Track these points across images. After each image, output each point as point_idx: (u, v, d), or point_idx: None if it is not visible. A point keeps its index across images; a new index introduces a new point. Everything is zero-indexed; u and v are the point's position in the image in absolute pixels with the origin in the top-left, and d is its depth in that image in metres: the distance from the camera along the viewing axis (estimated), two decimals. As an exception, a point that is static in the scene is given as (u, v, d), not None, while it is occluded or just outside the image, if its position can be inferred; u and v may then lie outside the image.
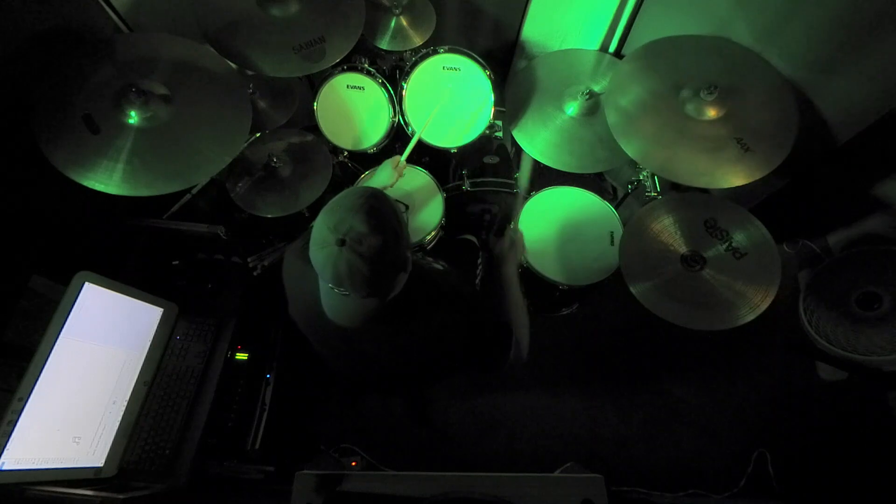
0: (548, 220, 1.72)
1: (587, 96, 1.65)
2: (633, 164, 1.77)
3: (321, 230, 0.79)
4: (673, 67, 1.53)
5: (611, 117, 1.49)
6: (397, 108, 1.74)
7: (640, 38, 1.74)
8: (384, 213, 0.81)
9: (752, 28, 1.48)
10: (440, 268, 1.15)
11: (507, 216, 1.83)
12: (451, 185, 1.82)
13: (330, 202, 0.83)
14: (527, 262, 1.64)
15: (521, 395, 2.07)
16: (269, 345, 1.60)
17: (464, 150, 1.79)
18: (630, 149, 1.45)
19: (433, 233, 1.68)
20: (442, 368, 1.18)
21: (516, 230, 1.32)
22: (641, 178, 1.74)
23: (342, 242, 0.76)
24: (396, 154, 1.46)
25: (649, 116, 1.48)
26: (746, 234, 1.47)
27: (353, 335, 0.97)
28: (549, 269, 1.64)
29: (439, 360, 1.07)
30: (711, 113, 1.42)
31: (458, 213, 1.85)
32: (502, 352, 1.08)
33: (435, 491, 1.08)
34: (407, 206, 1.70)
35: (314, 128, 1.75)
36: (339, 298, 0.85)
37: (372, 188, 0.85)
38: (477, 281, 1.74)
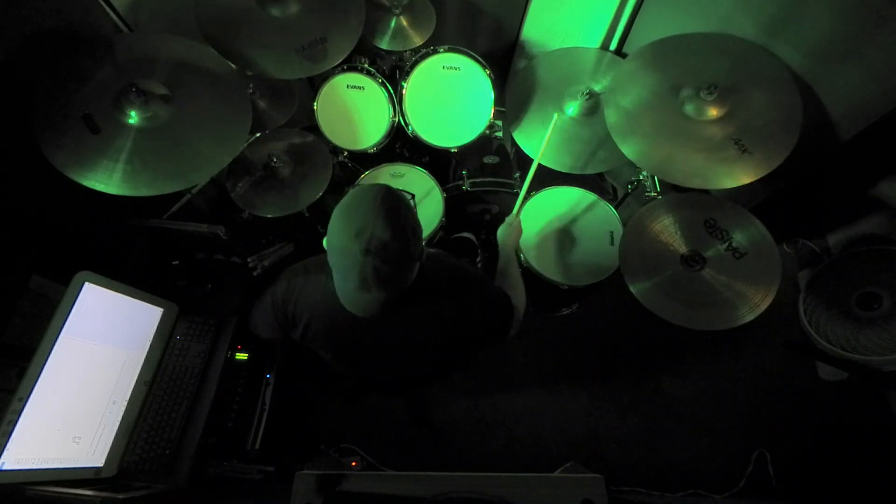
0: (548, 220, 1.72)
1: (587, 96, 1.65)
2: (633, 164, 1.77)
3: (341, 239, 0.80)
4: (674, 67, 1.53)
5: (610, 117, 1.49)
6: (397, 107, 1.74)
7: (640, 37, 1.74)
8: (400, 212, 0.82)
9: (756, 21, 1.46)
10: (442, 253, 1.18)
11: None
12: (451, 184, 1.82)
13: (343, 204, 0.83)
14: (527, 261, 1.64)
15: (521, 395, 2.07)
16: (269, 345, 1.60)
17: (464, 149, 1.79)
18: (628, 149, 1.45)
19: (434, 232, 1.68)
20: (459, 352, 1.20)
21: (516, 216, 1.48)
22: (641, 178, 1.74)
23: (367, 252, 0.77)
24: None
25: (648, 116, 1.48)
26: (746, 234, 1.47)
27: (376, 325, 0.98)
28: (549, 269, 1.64)
29: (458, 341, 1.08)
30: (711, 113, 1.42)
31: (458, 213, 1.85)
32: (507, 320, 1.11)
33: (435, 491, 1.08)
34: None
35: (314, 128, 1.75)
36: (359, 295, 0.85)
37: (382, 186, 0.85)
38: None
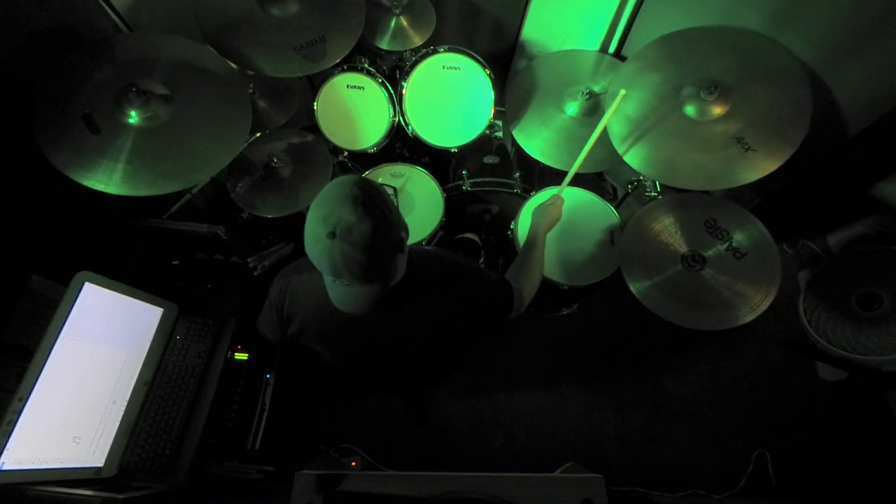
0: (548, 219, 1.72)
1: (587, 96, 1.65)
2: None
3: (312, 226, 0.80)
4: (674, 65, 1.51)
5: (612, 125, 1.48)
6: (397, 107, 1.74)
7: (640, 39, 1.74)
8: (371, 198, 0.81)
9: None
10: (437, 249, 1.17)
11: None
12: (451, 184, 1.82)
13: (317, 196, 0.84)
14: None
15: (520, 395, 2.07)
16: (272, 345, 1.60)
17: (464, 149, 1.79)
18: (630, 159, 1.45)
19: (433, 232, 1.68)
20: (457, 346, 1.19)
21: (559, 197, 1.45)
22: (641, 178, 1.74)
23: (332, 235, 0.77)
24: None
25: (650, 120, 1.47)
26: (746, 234, 1.47)
27: (369, 323, 0.99)
28: (549, 269, 1.64)
29: (455, 335, 1.08)
30: (714, 112, 1.40)
31: (458, 213, 1.85)
32: (505, 311, 1.11)
33: (435, 491, 1.08)
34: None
35: (314, 128, 1.75)
36: (343, 289, 0.86)
37: (356, 176, 0.86)
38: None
